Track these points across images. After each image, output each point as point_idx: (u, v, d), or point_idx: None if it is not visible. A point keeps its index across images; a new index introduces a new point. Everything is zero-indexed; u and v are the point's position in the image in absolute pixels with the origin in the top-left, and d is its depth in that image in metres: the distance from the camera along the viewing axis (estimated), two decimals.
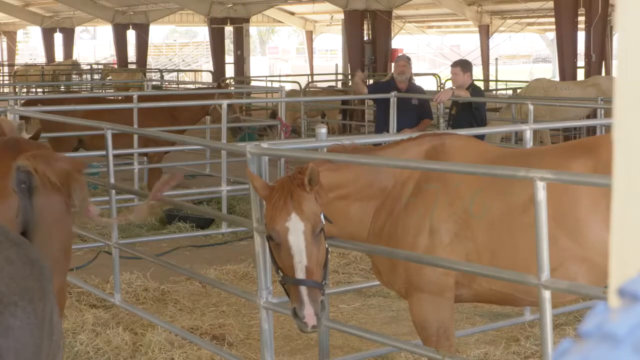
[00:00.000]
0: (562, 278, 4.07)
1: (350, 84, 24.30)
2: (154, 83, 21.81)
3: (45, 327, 2.77)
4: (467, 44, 46.02)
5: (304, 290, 4.12)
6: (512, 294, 4.45)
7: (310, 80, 27.39)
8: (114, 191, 7.33)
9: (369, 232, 4.58)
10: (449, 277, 4.44)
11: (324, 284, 4.23)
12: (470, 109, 9.63)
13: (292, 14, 39.09)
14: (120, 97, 15.69)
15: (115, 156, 8.47)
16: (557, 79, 19.72)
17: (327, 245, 4.32)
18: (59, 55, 40.14)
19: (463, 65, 9.87)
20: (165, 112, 12.08)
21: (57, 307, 2.97)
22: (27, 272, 2.79)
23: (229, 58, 29.74)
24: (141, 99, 12.72)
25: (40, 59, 44.26)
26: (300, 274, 4.13)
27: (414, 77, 11.68)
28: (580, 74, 19.04)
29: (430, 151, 4.57)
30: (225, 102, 11.68)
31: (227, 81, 24.22)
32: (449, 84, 11.01)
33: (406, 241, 4.44)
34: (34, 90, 25.70)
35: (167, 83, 27.25)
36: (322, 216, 4.26)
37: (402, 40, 39.97)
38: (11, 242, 2.87)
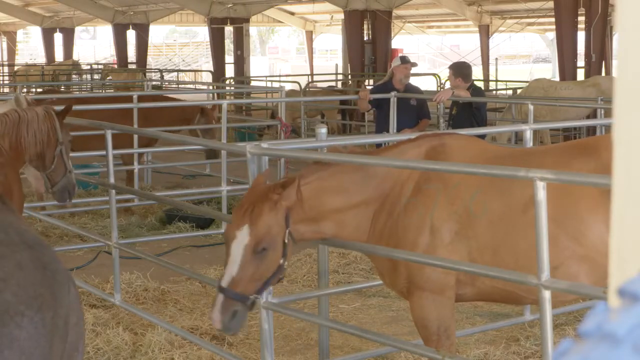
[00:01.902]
0: (563, 277, 4.07)
1: (350, 83, 24.35)
2: (154, 83, 21.80)
3: (57, 333, 2.73)
4: (467, 44, 46.04)
5: (220, 297, 4.19)
6: (515, 292, 4.44)
7: (310, 80, 27.39)
8: (114, 191, 7.33)
9: (369, 237, 4.57)
10: (449, 276, 4.44)
11: (251, 297, 4.23)
12: (471, 109, 9.62)
13: (292, 14, 39.10)
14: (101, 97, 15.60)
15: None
16: (557, 79, 19.71)
17: (282, 262, 4.28)
18: (59, 55, 40.13)
19: (455, 69, 9.84)
20: (139, 114, 11.95)
21: (79, 310, 2.93)
22: (37, 278, 2.74)
23: (229, 58, 29.74)
24: (123, 99, 12.62)
25: (40, 59, 44.26)
26: (224, 283, 4.19)
27: (411, 77, 11.62)
28: (580, 74, 19.04)
29: (430, 151, 4.56)
30: (225, 102, 11.65)
31: (228, 83, 24.23)
32: (448, 84, 10.99)
33: (407, 240, 4.43)
34: (34, 90, 25.69)
35: (167, 83, 27.25)
36: (286, 234, 4.25)
37: (402, 40, 39.99)
38: (25, 245, 2.83)
